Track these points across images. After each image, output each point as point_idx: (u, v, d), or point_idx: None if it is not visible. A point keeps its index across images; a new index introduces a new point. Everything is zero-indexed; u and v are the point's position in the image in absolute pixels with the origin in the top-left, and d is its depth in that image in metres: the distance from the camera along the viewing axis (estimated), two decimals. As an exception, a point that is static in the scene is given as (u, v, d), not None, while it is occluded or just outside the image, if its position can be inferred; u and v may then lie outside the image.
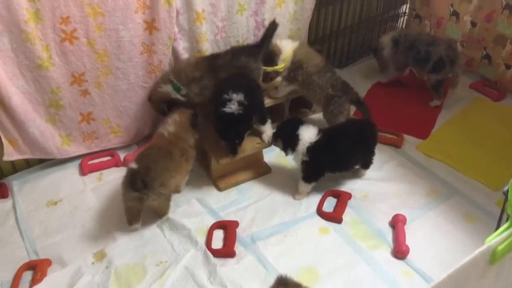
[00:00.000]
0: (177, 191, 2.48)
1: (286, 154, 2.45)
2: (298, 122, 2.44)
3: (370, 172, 2.64)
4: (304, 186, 2.45)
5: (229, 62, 2.58)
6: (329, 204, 2.44)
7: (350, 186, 2.57)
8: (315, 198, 2.48)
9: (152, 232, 2.31)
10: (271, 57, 2.75)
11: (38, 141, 2.55)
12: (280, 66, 2.75)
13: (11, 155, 2.53)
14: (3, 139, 2.47)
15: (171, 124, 2.38)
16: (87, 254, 2.19)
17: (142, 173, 2.13)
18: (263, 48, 2.68)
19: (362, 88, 3.19)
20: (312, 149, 2.36)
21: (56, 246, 2.24)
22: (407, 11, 3.81)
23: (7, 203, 2.49)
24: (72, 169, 2.70)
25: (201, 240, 2.23)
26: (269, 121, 2.57)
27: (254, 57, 2.63)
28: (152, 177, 2.15)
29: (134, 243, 2.25)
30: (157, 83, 2.62)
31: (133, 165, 2.17)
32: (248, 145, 2.54)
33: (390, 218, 2.35)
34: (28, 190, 2.56)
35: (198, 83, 2.57)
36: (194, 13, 2.63)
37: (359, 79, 3.41)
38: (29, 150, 2.58)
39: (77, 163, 2.73)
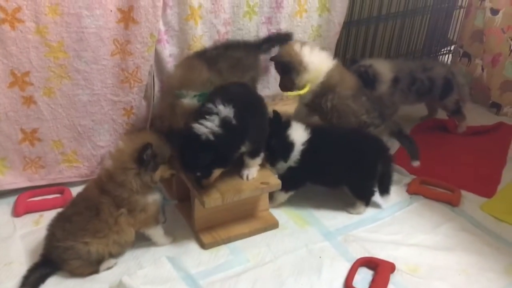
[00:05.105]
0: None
1: (273, 165, 1.94)
2: (280, 120, 1.96)
3: (420, 236, 1.96)
4: (281, 196, 2.02)
5: (223, 52, 2.04)
6: (362, 278, 1.75)
7: (391, 252, 1.85)
8: (342, 267, 1.78)
9: (93, 302, 1.55)
10: (286, 68, 2.07)
11: (-44, 163, 1.85)
12: (304, 90, 2.06)
13: None
14: None
15: (109, 157, 1.71)
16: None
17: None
18: (262, 49, 2.24)
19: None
20: (305, 151, 1.93)
21: None
22: (452, 48, 3.25)
23: None
24: (3, 207, 1.98)
25: (165, 321, 1.48)
26: (261, 155, 1.85)
27: (252, 52, 2.16)
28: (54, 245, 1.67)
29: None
30: (180, 115, 1.86)
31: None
32: (247, 184, 1.81)
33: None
34: None
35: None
36: (187, 7, 2.05)
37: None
38: None
39: (11, 199, 2.00)
